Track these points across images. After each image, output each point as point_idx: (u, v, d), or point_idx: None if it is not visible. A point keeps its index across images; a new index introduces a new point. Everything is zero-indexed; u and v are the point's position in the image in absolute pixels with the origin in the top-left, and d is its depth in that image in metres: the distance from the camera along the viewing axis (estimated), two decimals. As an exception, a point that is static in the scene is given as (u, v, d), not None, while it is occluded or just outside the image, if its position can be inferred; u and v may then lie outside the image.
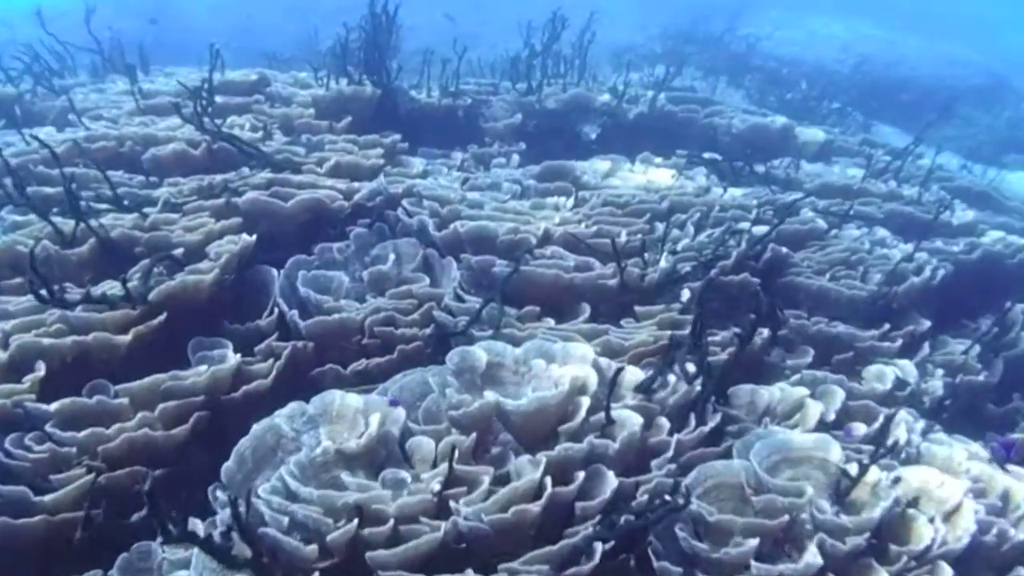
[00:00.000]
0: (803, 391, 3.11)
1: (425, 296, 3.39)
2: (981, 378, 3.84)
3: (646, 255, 3.64)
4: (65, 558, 2.52)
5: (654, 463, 2.50)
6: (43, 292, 2.83)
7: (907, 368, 3.59)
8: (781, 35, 12.04)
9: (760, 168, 5.24)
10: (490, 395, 2.58)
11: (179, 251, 3.36)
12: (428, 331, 3.26)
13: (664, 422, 2.68)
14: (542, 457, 2.38)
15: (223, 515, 2.28)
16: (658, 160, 5.22)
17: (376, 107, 5.38)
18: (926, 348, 3.89)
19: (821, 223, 4.38)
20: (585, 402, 2.59)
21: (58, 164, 3.54)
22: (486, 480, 2.34)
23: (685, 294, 3.44)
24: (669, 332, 3.19)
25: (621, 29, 11.39)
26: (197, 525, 2.41)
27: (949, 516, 2.57)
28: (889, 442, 2.68)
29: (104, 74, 6.19)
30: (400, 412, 2.59)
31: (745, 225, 4.06)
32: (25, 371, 2.83)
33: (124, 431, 2.64)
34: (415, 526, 2.21)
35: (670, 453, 2.53)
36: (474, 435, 2.51)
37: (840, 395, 3.17)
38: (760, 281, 3.70)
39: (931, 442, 3.16)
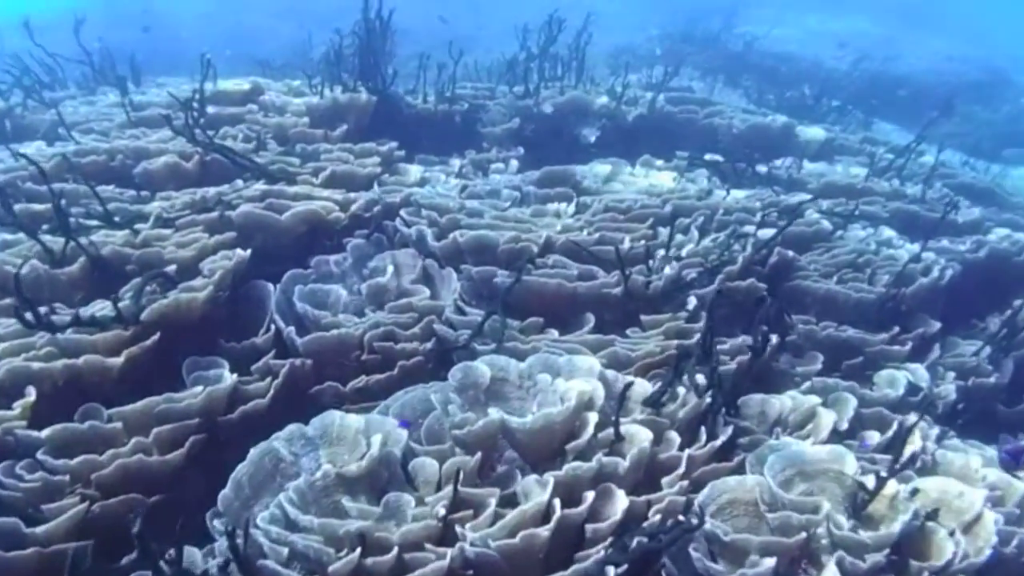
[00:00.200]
0: (815, 400, 3.03)
1: (425, 309, 3.31)
2: (992, 380, 3.77)
3: (650, 262, 3.55)
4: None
5: (665, 480, 2.42)
6: (29, 316, 2.74)
7: (919, 372, 3.52)
8: (778, 33, 11.96)
9: (762, 169, 5.17)
10: (494, 413, 2.50)
11: (172, 268, 3.27)
12: (429, 345, 3.17)
13: (674, 436, 2.60)
14: (549, 477, 2.30)
15: (220, 546, 2.20)
16: (659, 163, 5.14)
17: (372, 114, 5.30)
18: (936, 350, 3.82)
19: (826, 224, 4.31)
20: (593, 418, 2.51)
21: (46, 181, 3.45)
22: (492, 503, 2.26)
23: (691, 301, 3.36)
24: (676, 341, 3.12)
25: (617, 30, 11.32)
26: (195, 555, 2.33)
27: (969, 527, 2.49)
28: (906, 455, 2.59)
29: (95, 86, 6.11)
30: (402, 432, 2.51)
31: (750, 228, 3.99)
32: (15, 396, 2.75)
33: (118, 457, 2.56)
34: (420, 554, 2.13)
35: (681, 469, 2.45)
36: (479, 455, 2.43)
37: (852, 403, 3.09)
38: (767, 286, 3.62)
39: (946, 449, 3.09)
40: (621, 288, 3.33)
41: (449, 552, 2.13)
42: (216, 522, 2.31)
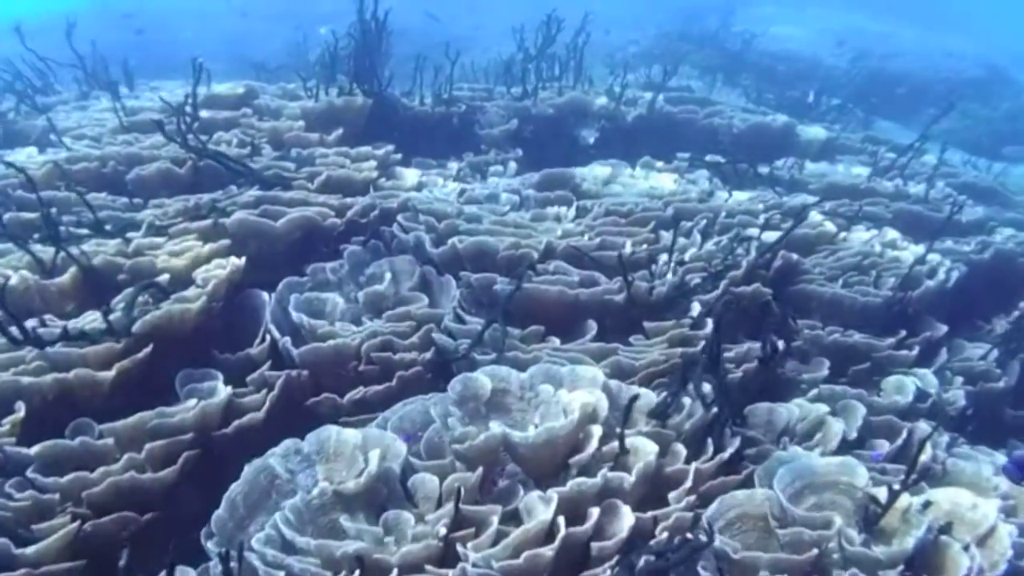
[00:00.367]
0: (823, 408, 2.98)
1: (424, 318, 3.24)
2: (1001, 385, 3.71)
3: (653, 267, 3.49)
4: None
5: (672, 495, 2.36)
6: (15, 332, 2.67)
7: (927, 378, 3.46)
8: (776, 31, 11.89)
9: (763, 169, 5.11)
10: (496, 427, 2.43)
11: (164, 277, 3.20)
12: (428, 355, 3.10)
13: (680, 449, 2.53)
14: (553, 494, 2.23)
15: (215, 570, 2.13)
16: (659, 164, 5.08)
17: (368, 117, 5.23)
18: (943, 354, 3.76)
19: (830, 226, 4.25)
20: (597, 431, 2.45)
21: (35, 190, 3.37)
22: (495, 521, 2.20)
23: (695, 307, 3.29)
24: (680, 349, 3.05)
25: (615, 29, 11.24)
26: (189, 574, 2.27)
27: (983, 540, 2.43)
28: (919, 466, 2.52)
29: (88, 90, 6.02)
30: (401, 447, 2.44)
31: (753, 231, 3.92)
32: (4, 412, 2.68)
33: (109, 474, 2.49)
34: (420, 576, 2.07)
35: (688, 483, 2.39)
36: (480, 470, 2.37)
37: (861, 411, 3.03)
38: (771, 291, 3.56)
39: (957, 457, 3.04)
40: (624, 295, 3.26)
41: (450, 574, 2.06)
42: (210, 544, 2.24)
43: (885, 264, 4.01)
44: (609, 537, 2.19)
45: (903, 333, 3.67)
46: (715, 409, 2.65)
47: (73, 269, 3.21)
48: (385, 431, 2.53)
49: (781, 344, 3.20)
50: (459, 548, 2.13)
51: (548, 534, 2.18)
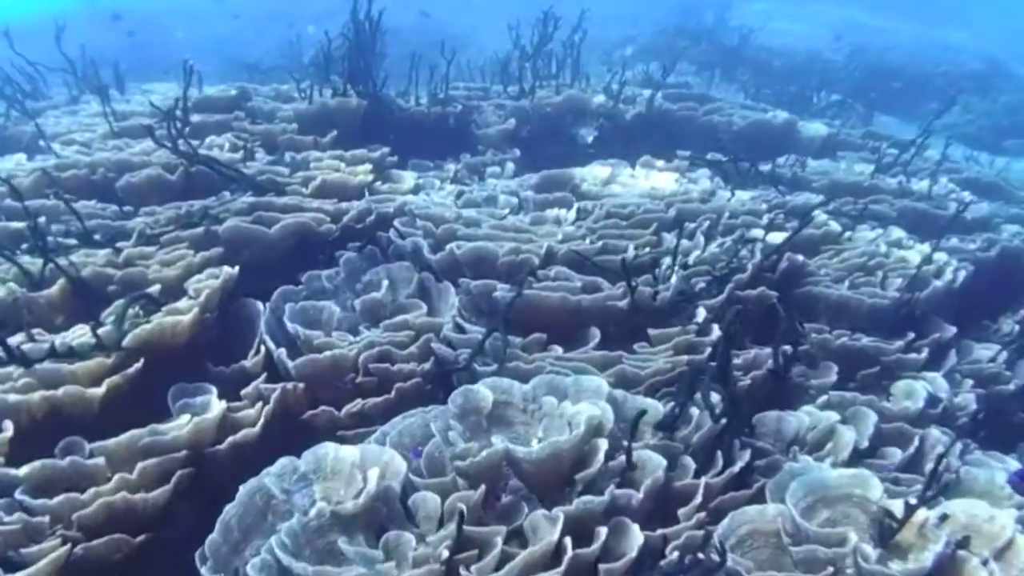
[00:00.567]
0: (833, 416, 2.90)
1: (423, 327, 3.16)
2: (1012, 387, 3.63)
3: (656, 271, 3.41)
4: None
5: (682, 512, 2.28)
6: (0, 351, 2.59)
7: (938, 382, 3.38)
8: (773, 26, 11.82)
9: (765, 167, 5.03)
10: (498, 443, 2.35)
11: (156, 288, 3.12)
12: (427, 366, 3.02)
13: (689, 463, 2.46)
14: (559, 513, 2.15)
15: (209, 598, 2.06)
16: (659, 163, 5.00)
17: (363, 118, 5.16)
18: (952, 357, 3.68)
19: (835, 226, 4.18)
20: (602, 445, 2.37)
21: (20, 200, 3.29)
22: (499, 542, 2.12)
23: (700, 313, 3.21)
24: (687, 357, 2.97)
25: (611, 25, 11.17)
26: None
27: (1001, 553, 2.36)
28: (935, 481, 2.44)
29: (79, 94, 5.93)
30: (401, 464, 2.36)
31: (757, 232, 3.84)
32: (-9, 431, 2.60)
33: (100, 495, 2.41)
34: (422, 601, 1.99)
35: (698, 499, 2.31)
36: (482, 488, 2.29)
37: (872, 418, 2.96)
38: (777, 294, 3.48)
39: (970, 464, 2.96)
40: (627, 300, 3.18)
41: (453, 599, 1.99)
42: (204, 569, 2.16)
43: (891, 264, 3.93)
44: (617, 558, 2.11)
45: (911, 335, 3.59)
46: (724, 420, 2.57)
47: (62, 281, 3.13)
48: (384, 447, 2.45)
49: (788, 349, 3.11)
50: (462, 572, 2.06)
51: (555, 555, 2.10)
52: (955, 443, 2.74)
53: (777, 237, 3.80)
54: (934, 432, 3.07)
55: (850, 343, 3.44)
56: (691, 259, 3.58)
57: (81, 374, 2.71)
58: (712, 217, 3.97)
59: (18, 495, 2.46)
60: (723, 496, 2.41)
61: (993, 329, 4.23)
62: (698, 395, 2.65)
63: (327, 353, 2.99)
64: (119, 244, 3.37)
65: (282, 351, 3.02)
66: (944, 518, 2.39)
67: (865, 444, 2.85)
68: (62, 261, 3.17)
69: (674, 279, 3.36)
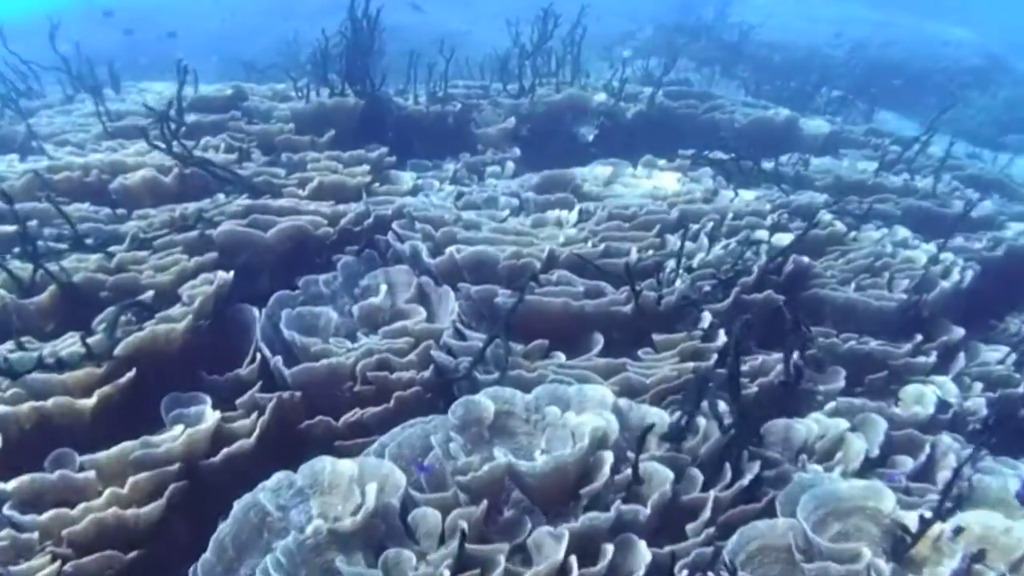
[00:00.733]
0: (842, 424, 2.83)
1: (422, 334, 3.09)
2: (1021, 390, 3.56)
3: (660, 274, 3.34)
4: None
5: (690, 528, 2.21)
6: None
7: (947, 386, 3.31)
8: (773, 22, 11.74)
9: (768, 165, 4.96)
10: (500, 456, 2.29)
11: (149, 294, 3.05)
12: (427, 374, 2.95)
13: (697, 475, 2.39)
14: (564, 530, 2.09)
15: (201, 621, 1.99)
16: (661, 162, 4.93)
17: (360, 117, 5.07)
18: (961, 360, 3.61)
19: (840, 226, 4.11)
20: (608, 458, 2.31)
21: (10, 204, 3.21)
22: (502, 560, 2.05)
23: (706, 318, 3.14)
24: (692, 364, 2.90)
25: (610, 20, 11.08)
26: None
27: (1017, 566, 2.30)
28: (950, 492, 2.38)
29: (73, 93, 5.84)
30: (400, 477, 2.30)
31: (762, 233, 3.77)
32: (-22, 444, 2.52)
33: (91, 511, 2.34)
34: (423, 624, 1.92)
35: (707, 514, 2.24)
36: (484, 504, 2.22)
37: (882, 426, 2.89)
38: (784, 298, 3.42)
39: (982, 472, 2.90)
40: (631, 305, 3.11)
41: (456, 621, 1.92)
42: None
43: (898, 265, 3.87)
44: (625, 576, 2.05)
45: (919, 338, 3.53)
46: (733, 431, 2.50)
47: (52, 287, 3.05)
48: (383, 460, 2.38)
49: (798, 359, 3.05)
50: (465, 591, 2.00)
51: (560, 573, 2.04)
52: (972, 456, 2.66)
53: (783, 238, 3.73)
54: (945, 439, 3.00)
55: (858, 347, 3.38)
56: (695, 262, 3.51)
57: (71, 384, 2.64)
58: (716, 218, 3.90)
59: (6, 510, 2.39)
60: (732, 510, 2.34)
61: (1000, 329, 4.17)
62: (705, 404, 2.58)
63: (324, 361, 2.91)
64: (112, 248, 3.29)
65: (278, 359, 2.95)
66: (959, 531, 2.33)
67: (876, 453, 2.79)
68: (53, 266, 3.09)
69: (678, 283, 3.30)
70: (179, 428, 2.62)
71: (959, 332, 3.69)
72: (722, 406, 2.59)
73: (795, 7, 13.11)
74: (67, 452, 2.55)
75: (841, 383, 3.20)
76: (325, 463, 2.32)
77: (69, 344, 2.79)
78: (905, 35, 12.62)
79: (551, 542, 2.09)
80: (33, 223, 3.50)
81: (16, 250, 3.29)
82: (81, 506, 2.35)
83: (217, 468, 2.59)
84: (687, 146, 5.11)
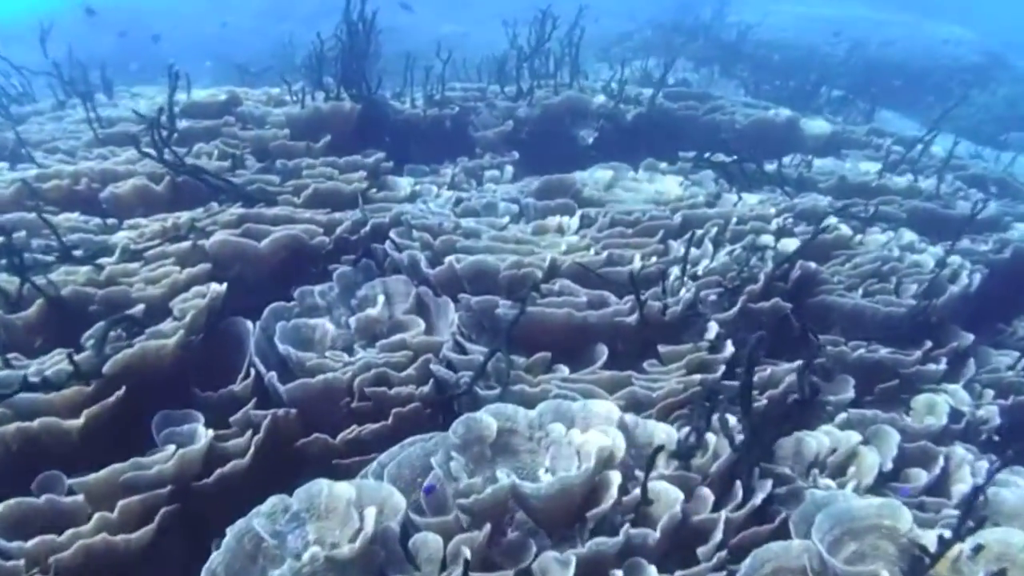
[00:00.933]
0: (854, 437, 2.75)
1: (421, 347, 3.00)
2: (1034, 397, 3.49)
3: (664, 283, 3.26)
4: None
5: (701, 552, 2.13)
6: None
7: (959, 395, 3.25)
8: (771, 21, 11.66)
9: (770, 166, 4.88)
10: (504, 478, 2.21)
11: (139, 308, 2.96)
12: (426, 389, 2.86)
13: (707, 494, 2.31)
14: (571, 556, 2.01)
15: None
16: (663, 166, 4.85)
17: (357, 122, 4.98)
18: (971, 366, 3.54)
19: (846, 230, 4.03)
20: (615, 479, 2.23)
21: (-6, 216, 3.13)
22: (506, 588, 1.97)
23: (712, 328, 3.06)
24: (699, 376, 2.82)
25: (608, 21, 10.99)
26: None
27: (1039, 586, 2.22)
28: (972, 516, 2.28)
29: (65, 99, 5.74)
30: (400, 500, 2.21)
31: (767, 238, 3.69)
32: (-38, 467, 2.44)
33: (79, 537, 2.25)
34: (425, 657, 1.84)
35: (719, 537, 2.16)
36: (487, 528, 2.14)
37: (895, 438, 2.81)
38: (791, 305, 3.34)
39: (997, 485, 2.81)
40: (636, 315, 3.03)
41: (459, 654, 1.84)
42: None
43: (905, 269, 3.79)
44: (634, 603, 1.97)
45: (928, 344, 3.45)
46: (744, 448, 2.42)
47: (40, 301, 2.96)
48: (382, 482, 2.29)
49: (810, 374, 2.96)
50: (468, 622, 1.91)
51: (566, 602, 1.96)
52: (992, 471, 2.57)
53: (789, 243, 3.65)
54: (958, 450, 2.93)
55: (867, 355, 3.30)
56: (700, 268, 3.43)
57: (59, 404, 2.55)
58: (720, 223, 3.82)
59: (-9, 537, 2.31)
60: (744, 532, 2.26)
61: (1008, 333, 4.10)
62: (714, 419, 2.50)
63: (320, 377, 2.83)
64: (101, 260, 3.20)
65: (272, 375, 2.86)
66: (979, 549, 2.24)
67: (889, 467, 2.71)
68: (40, 280, 3.00)
69: (683, 292, 3.22)
70: (171, 448, 2.54)
71: (968, 338, 3.62)
72: (731, 420, 2.51)
73: (793, 6, 13.04)
74: (55, 475, 2.46)
75: (851, 393, 3.13)
76: (322, 486, 2.23)
77: (57, 361, 2.70)
78: (904, 34, 12.55)
79: (557, 568, 2.01)
80: (21, 234, 3.41)
81: (2, 262, 3.20)
82: (69, 532, 2.26)
83: (210, 489, 2.51)
84: (688, 148, 5.03)
